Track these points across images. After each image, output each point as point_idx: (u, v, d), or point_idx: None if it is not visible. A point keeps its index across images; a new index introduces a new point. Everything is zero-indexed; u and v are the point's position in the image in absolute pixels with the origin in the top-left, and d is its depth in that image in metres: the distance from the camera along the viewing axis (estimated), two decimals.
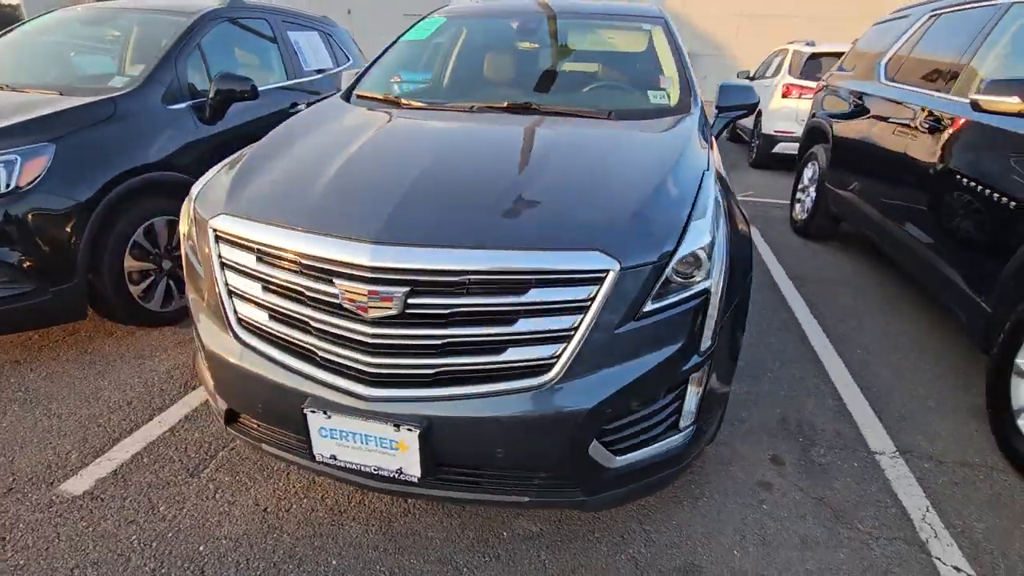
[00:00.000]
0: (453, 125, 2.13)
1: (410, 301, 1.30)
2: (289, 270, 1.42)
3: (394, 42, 2.83)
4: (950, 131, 2.83)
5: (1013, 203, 2.30)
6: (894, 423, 2.37)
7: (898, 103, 3.51)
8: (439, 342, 1.33)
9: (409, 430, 1.31)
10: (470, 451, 1.38)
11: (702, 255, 1.42)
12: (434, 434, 1.32)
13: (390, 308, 1.30)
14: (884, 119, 3.66)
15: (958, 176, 2.70)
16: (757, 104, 2.66)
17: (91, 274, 2.60)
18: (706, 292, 1.43)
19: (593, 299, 1.31)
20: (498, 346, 1.33)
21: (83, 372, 2.53)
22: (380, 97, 2.45)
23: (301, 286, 1.40)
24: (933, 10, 3.71)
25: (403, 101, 2.38)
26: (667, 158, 1.76)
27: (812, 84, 6.41)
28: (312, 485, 1.91)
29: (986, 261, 2.43)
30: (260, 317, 1.49)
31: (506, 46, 2.83)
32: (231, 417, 1.66)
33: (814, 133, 4.92)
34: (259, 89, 3.26)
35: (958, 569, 1.69)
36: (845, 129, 4.28)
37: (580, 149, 1.84)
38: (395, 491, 1.47)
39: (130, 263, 2.76)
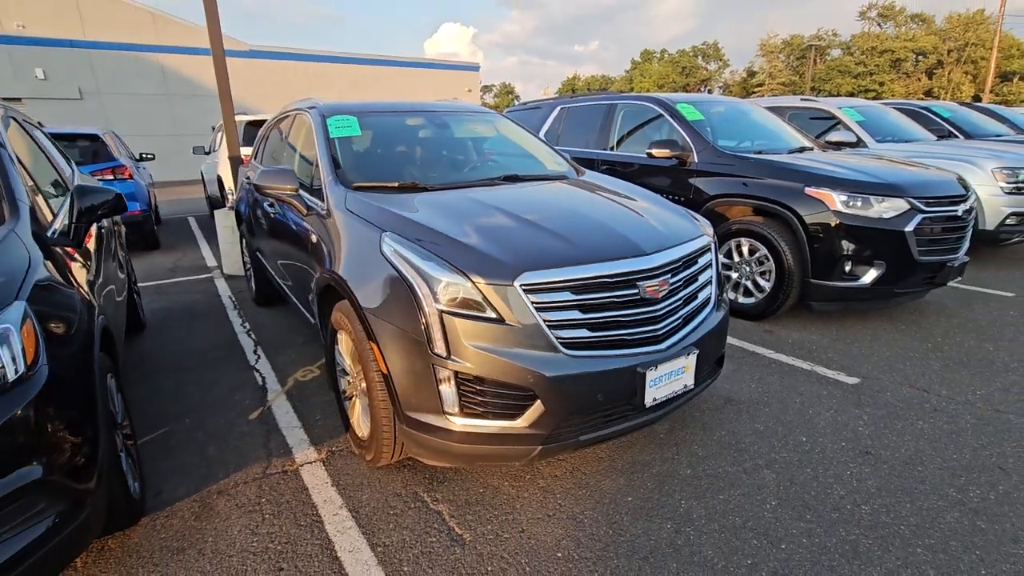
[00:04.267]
0: (510, 191, 2.80)
1: (671, 280, 2.22)
2: (600, 289, 2.05)
3: (331, 140, 3.00)
4: (637, 170, 5.09)
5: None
6: None
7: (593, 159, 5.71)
8: (683, 299, 2.29)
9: (693, 353, 2.22)
10: (709, 357, 2.37)
11: None
12: (700, 351, 2.27)
13: (666, 288, 2.18)
14: None
15: None
16: None
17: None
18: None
19: (713, 258, 2.54)
20: (698, 293, 2.40)
21: None
22: (394, 186, 2.78)
23: (612, 296, 2.07)
24: (560, 104, 6.19)
25: (420, 185, 2.80)
26: (639, 189, 3.07)
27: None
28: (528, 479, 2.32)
29: None
30: (580, 333, 2.02)
31: (426, 138, 3.43)
32: (548, 439, 2.03)
33: None
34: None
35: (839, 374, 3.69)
36: None
37: (602, 192, 2.91)
38: (681, 404, 2.29)
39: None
